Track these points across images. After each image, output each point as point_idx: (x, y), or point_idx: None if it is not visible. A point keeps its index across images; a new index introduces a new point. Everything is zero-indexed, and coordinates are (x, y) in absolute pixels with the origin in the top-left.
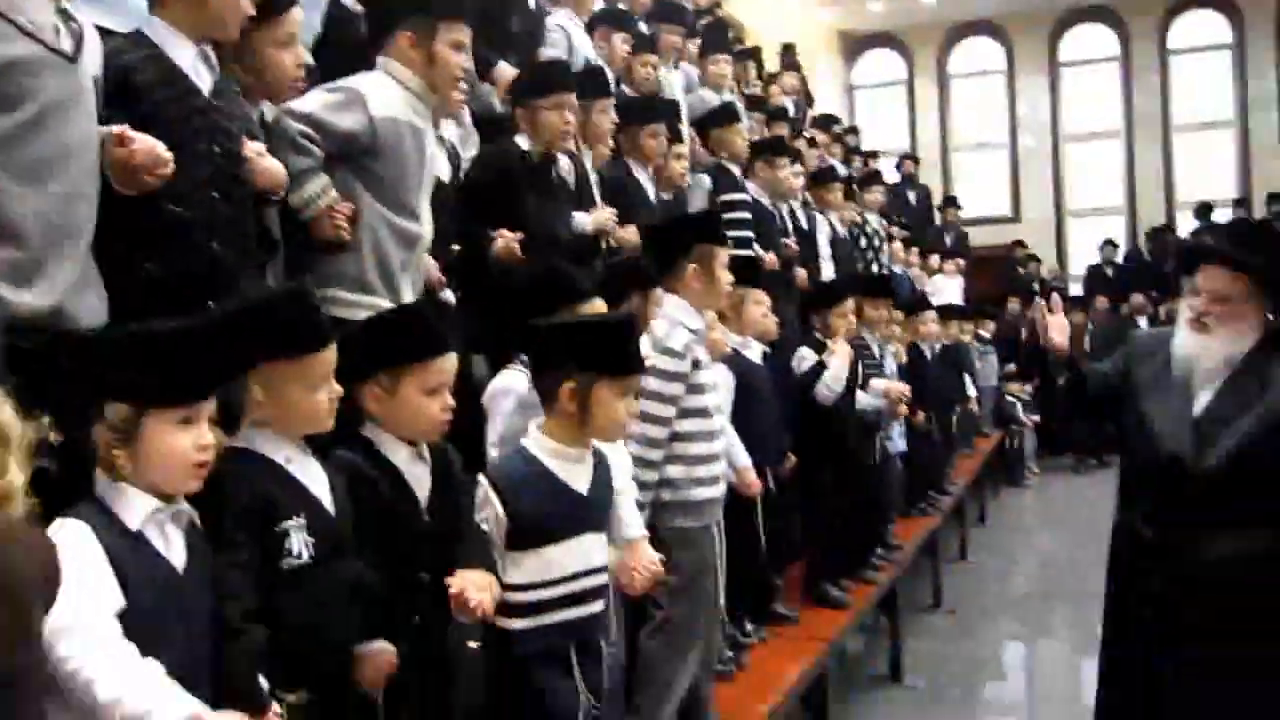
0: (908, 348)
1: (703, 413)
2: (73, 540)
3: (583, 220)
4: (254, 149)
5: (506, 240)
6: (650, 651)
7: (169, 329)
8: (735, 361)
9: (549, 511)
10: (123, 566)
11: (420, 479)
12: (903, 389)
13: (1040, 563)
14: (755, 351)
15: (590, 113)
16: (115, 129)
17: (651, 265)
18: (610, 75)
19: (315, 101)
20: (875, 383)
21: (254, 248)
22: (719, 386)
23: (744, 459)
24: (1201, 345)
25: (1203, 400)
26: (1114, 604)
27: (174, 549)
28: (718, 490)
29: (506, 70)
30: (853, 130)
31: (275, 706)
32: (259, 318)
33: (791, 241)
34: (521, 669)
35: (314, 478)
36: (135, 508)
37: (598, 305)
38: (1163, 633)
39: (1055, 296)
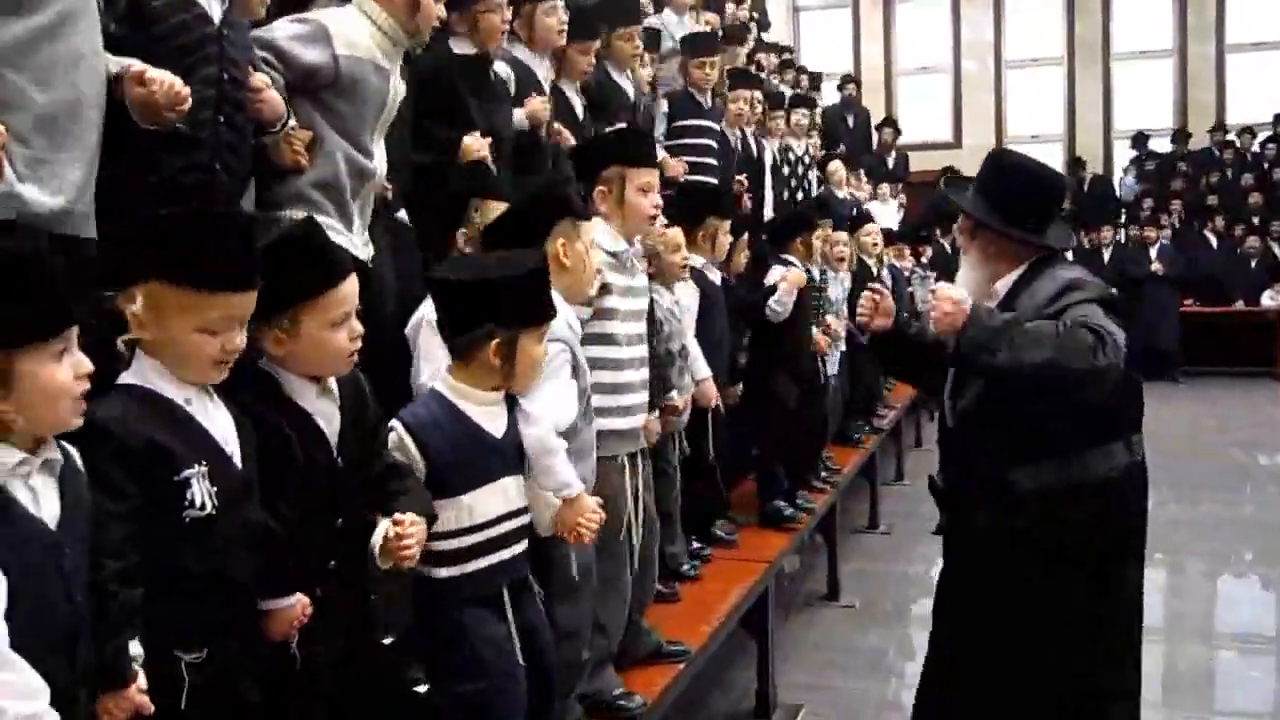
0: (854, 265)
1: (607, 339)
2: None
3: (519, 116)
4: (262, 80)
5: (475, 139)
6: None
7: (21, 257)
8: (698, 278)
9: (466, 458)
10: None
11: (329, 416)
12: (826, 343)
13: None
14: (715, 273)
15: (535, 13)
16: (135, 67)
17: (576, 191)
18: None
19: (281, 31)
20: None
21: (249, 174)
22: (639, 314)
23: (704, 371)
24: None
25: None
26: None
27: (45, 504)
28: (629, 422)
29: None
30: (788, 51)
31: (141, 680)
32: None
33: (744, 176)
34: (451, 615)
35: (217, 420)
36: None
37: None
38: (957, 582)
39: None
